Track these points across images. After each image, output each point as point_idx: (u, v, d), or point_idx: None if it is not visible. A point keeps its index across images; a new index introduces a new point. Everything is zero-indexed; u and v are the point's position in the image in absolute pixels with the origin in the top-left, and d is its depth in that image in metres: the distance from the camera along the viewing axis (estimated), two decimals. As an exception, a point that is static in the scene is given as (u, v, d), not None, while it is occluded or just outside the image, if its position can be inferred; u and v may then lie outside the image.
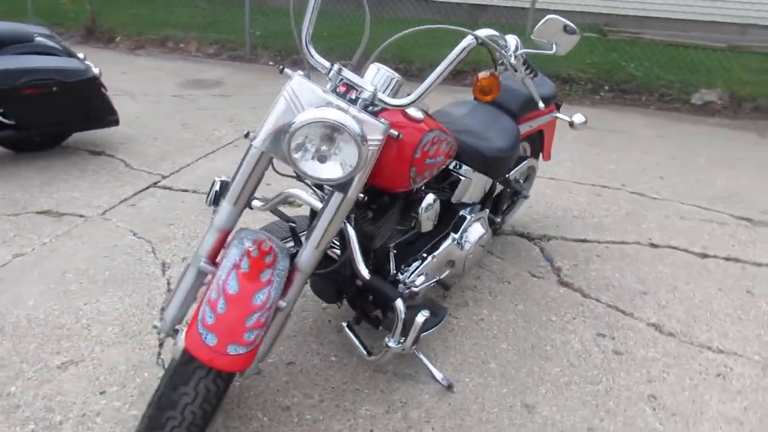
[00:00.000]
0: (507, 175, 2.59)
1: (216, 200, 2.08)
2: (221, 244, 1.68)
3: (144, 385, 2.00)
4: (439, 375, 2.06)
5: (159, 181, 3.58)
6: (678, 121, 5.34)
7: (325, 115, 1.47)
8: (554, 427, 1.91)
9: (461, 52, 1.61)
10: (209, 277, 1.70)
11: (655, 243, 3.08)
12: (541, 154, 3.01)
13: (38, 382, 1.99)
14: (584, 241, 3.08)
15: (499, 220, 2.70)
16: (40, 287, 2.48)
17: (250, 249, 1.56)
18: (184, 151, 4.07)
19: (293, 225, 2.10)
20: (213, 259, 1.68)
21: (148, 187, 3.49)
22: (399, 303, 1.76)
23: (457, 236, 2.25)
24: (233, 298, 1.44)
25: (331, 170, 1.54)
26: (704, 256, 2.97)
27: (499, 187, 2.57)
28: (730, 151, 4.57)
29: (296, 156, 1.52)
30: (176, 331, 1.70)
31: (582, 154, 4.31)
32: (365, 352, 1.92)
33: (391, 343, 1.79)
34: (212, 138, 4.36)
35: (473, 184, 2.31)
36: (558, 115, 2.83)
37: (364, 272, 1.79)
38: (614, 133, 4.85)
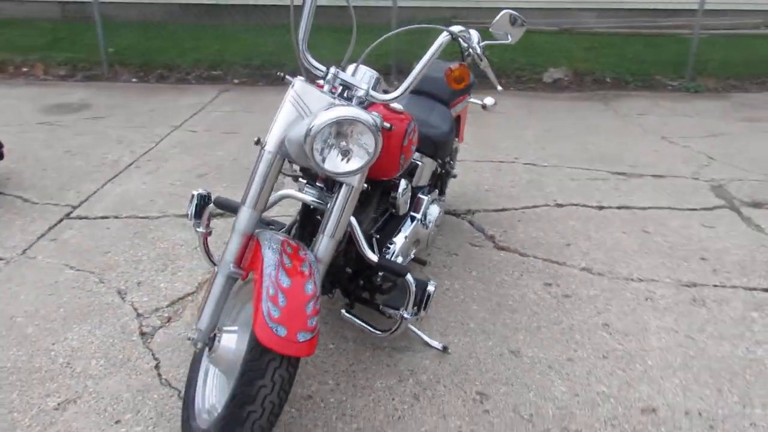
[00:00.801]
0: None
1: (197, 213, 2.14)
2: (245, 248, 1.75)
3: (159, 405, 1.99)
4: (433, 342, 2.28)
5: (71, 212, 3.39)
6: (538, 98, 6.00)
7: (345, 113, 1.62)
8: (541, 363, 2.21)
9: (438, 47, 1.84)
10: (240, 282, 1.77)
11: (560, 203, 3.54)
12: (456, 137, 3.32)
13: (41, 428, 1.90)
14: (503, 210, 3.46)
15: (444, 199, 2.97)
16: (-6, 336, 2.31)
17: (285, 247, 1.66)
18: (83, 178, 3.86)
19: (280, 228, 2.21)
20: (239, 263, 1.74)
21: (61, 220, 3.30)
22: (409, 277, 1.95)
23: (419, 216, 2.48)
24: (289, 291, 1.54)
25: (350, 163, 1.69)
26: (600, 208, 3.48)
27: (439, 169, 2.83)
28: (587, 119, 5.27)
29: (318, 155, 1.65)
30: (212, 339, 1.74)
31: (473, 135, 4.72)
32: (377, 330, 2.08)
33: (407, 315, 1.97)
34: (107, 162, 4.16)
35: (426, 167, 2.55)
36: (471, 99, 3.15)
37: (372, 255, 1.96)
38: (492, 114, 5.35)
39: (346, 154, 1.68)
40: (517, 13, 2.01)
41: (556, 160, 4.23)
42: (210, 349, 1.75)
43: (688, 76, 6.22)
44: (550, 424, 1.94)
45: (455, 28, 1.87)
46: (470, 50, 1.96)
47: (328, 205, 1.83)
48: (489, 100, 3.11)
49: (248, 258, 1.74)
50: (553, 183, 3.83)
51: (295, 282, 1.57)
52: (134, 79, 6.67)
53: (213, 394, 1.85)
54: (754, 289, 2.68)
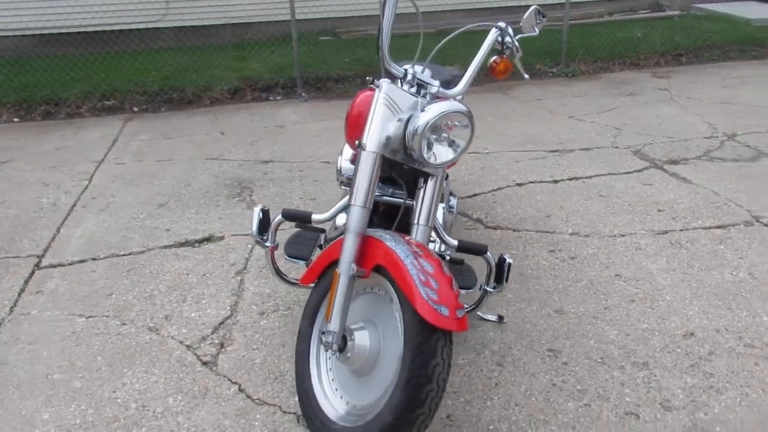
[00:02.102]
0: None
1: (261, 229, 2.16)
2: (361, 247, 1.81)
3: (267, 423, 1.99)
4: (488, 315, 2.47)
5: (39, 262, 3.11)
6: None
7: (454, 107, 1.77)
8: (585, 315, 2.49)
9: (491, 43, 2.05)
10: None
11: (519, 182, 3.90)
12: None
13: (158, 471, 1.82)
14: (475, 195, 3.74)
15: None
16: (34, 402, 2.13)
17: (405, 239, 1.77)
18: (28, 226, 3.54)
19: (323, 232, 2.28)
20: (359, 262, 1.80)
21: (33, 272, 3.03)
22: (489, 254, 2.13)
23: (444, 204, 2.66)
24: (436, 275, 1.65)
25: (448, 153, 1.84)
26: (555, 181, 3.89)
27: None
28: (498, 108, 5.74)
29: (426, 149, 1.78)
30: (344, 338, 1.79)
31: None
32: None
33: (490, 288, 2.15)
34: (45, 206, 3.83)
35: None
36: None
37: (451, 240, 2.12)
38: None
39: (451, 144, 1.82)
40: (541, 9, 2.26)
41: (493, 146, 4.60)
42: (342, 351, 1.80)
43: (563, 63, 6.97)
44: (622, 362, 2.22)
45: (501, 24, 2.10)
46: (513, 43, 2.18)
47: (413, 199, 1.95)
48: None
49: (365, 256, 1.80)
50: (503, 166, 4.18)
51: (435, 267, 1.68)
52: (16, 119, 6.08)
53: (339, 393, 1.89)
54: (710, 227, 3.19)
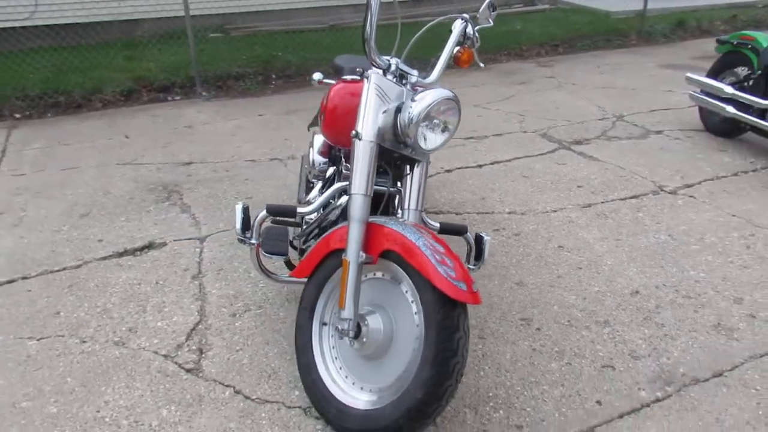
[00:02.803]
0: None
1: (245, 226, 2.14)
2: (366, 235, 1.86)
3: (274, 420, 1.98)
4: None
5: (-43, 287, 2.81)
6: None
7: (444, 95, 1.86)
8: (543, 285, 2.70)
9: (459, 32, 2.17)
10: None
11: (448, 169, 4.08)
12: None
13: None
14: (409, 183, 3.86)
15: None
16: None
17: (407, 223, 1.85)
18: (-72, 249, 3.17)
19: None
20: (366, 250, 1.84)
21: (-46, 297, 2.73)
22: (468, 234, 2.25)
23: None
24: (448, 254, 1.74)
25: (438, 139, 1.94)
26: (479, 166, 4.11)
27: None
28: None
29: (424, 134, 1.87)
30: (359, 325, 1.83)
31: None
32: None
33: (471, 266, 2.27)
34: (-59, 226, 3.44)
35: None
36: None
37: (434, 222, 2.22)
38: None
39: (444, 129, 1.92)
40: (493, 1, 2.40)
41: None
42: (356, 337, 1.84)
43: (456, 55, 7.30)
44: (586, 322, 2.45)
45: (465, 16, 2.23)
46: (474, 34, 2.30)
47: (400, 186, 2.04)
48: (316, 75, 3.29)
49: (370, 243, 1.85)
50: (442, 156, 4.34)
51: (444, 246, 1.78)
52: None
53: (351, 379, 1.92)
54: (625, 198, 3.56)
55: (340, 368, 1.97)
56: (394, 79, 1.99)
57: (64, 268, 2.94)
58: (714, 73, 4.54)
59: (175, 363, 2.26)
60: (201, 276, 2.84)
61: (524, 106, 5.48)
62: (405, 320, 1.83)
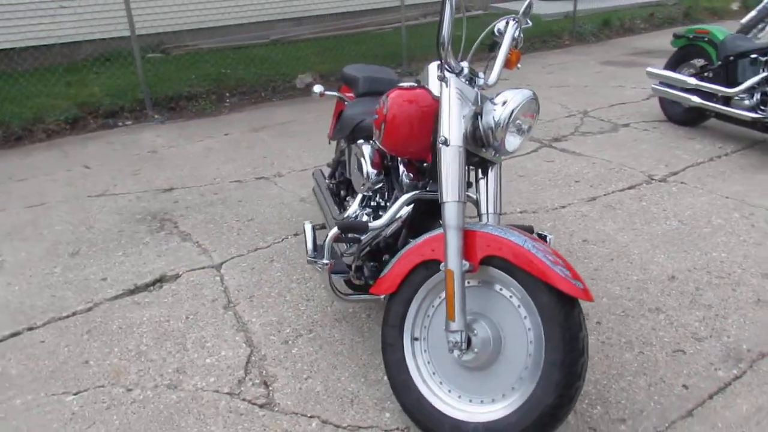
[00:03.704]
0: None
1: (315, 246, 2.05)
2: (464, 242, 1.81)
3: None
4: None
5: (-45, 346, 2.51)
6: (312, 103, 6.26)
7: (528, 95, 1.85)
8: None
9: (512, 34, 2.17)
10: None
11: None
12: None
13: None
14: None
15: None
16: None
17: (505, 227, 1.82)
18: None
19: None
20: (467, 257, 1.79)
21: (-45, 358, 2.43)
22: (535, 234, 2.24)
23: None
24: (558, 254, 1.73)
25: (517, 140, 1.92)
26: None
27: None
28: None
29: (511, 136, 1.85)
30: (467, 334, 1.78)
31: (302, 146, 4.87)
32: None
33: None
34: None
35: None
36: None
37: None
38: (292, 124, 5.52)
39: (527, 131, 1.90)
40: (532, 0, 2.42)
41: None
42: (467, 348, 1.78)
43: (405, 64, 7.36)
44: (640, 311, 2.50)
45: (518, 17, 2.22)
46: (520, 35, 2.28)
47: (479, 188, 2.01)
48: (317, 88, 3.25)
49: (467, 250, 1.80)
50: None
51: (548, 246, 1.76)
52: None
53: (456, 393, 1.86)
54: (624, 189, 3.69)
55: (441, 383, 1.90)
56: (467, 83, 1.95)
57: (74, 313, 2.68)
58: (672, 66, 4.81)
59: (244, 400, 2.10)
60: (233, 305, 2.67)
61: (490, 108, 5.57)
62: (513, 326, 1.79)
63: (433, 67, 2.13)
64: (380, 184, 2.36)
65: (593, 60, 7.41)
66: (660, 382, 2.10)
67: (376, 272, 2.28)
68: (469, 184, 2.08)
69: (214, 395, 2.13)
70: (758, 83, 4.00)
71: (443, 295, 1.91)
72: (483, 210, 2.00)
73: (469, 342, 1.78)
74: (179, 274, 2.95)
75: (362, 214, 2.46)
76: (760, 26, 5.14)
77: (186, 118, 5.91)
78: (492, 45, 2.30)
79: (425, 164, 2.18)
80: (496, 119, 1.84)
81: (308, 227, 2.04)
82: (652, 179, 3.81)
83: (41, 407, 2.12)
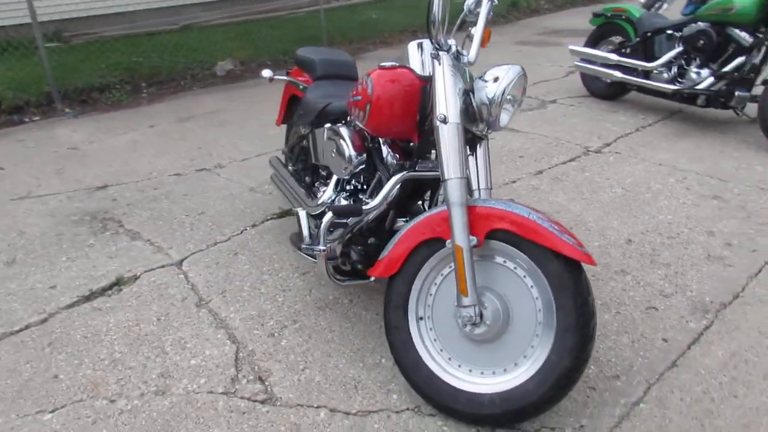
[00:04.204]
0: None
1: (311, 234, 2.01)
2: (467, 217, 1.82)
3: (390, 423, 1.88)
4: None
5: None
6: (236, 90, 6.06)
7: (518, 71, 1.89)
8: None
9: (488, 12, 2.19)
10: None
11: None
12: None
13: None
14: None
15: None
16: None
17: (506, 200, 1.86)
18: None
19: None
20: (472, 233, 1.81)
21: None
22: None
23: None
24: (560, 224, 1.79)
25: (506, 115, 1.96)
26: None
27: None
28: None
29: (503, 111, 1.89)
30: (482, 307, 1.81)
31: (235, 134, 4.70)
32: None
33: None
34: None
35: None
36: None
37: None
38: (219, 113, 5.30)
39: (518, 105, 1.94)
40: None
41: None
42: (480, 322, 1.81)
43: (324, 46, 7.26)
44: (608, 274, 2.63)
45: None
46: (489, 13, 2.29)
47: (468, 165, 2.03)
48: (266, 72, 3.18)
49: (472, 226, 1.82)
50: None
51: (548, 215, 1.82)
52: None
53: (466, 367, 1.89)
54: (566, 162, 3.86)
55: (450, 359, 1.92)
56: (454, 60, 1.96)
57: (27, 326, 2.46)
58: (592, 44, 5.06)
59: (243, 398, 2.03)
60: (206, 303, 2.55)
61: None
62: (519, 296, 1.83)
63: (413, 46, 2.12)
64: (362, 166, 2.32)
65: (509, 41, 7.65)
66: (642, 338, 2.23)
67: (365, 256, 2.26)
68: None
69: (209, 397, 2.04)
70: (675, 57, 4.30)
71: (445, 271, 1.93)
72: (474, 186, 2.02)
73: (480, 316, 1.81)
74: (138, 275, 2.78)
75: (339, 198, 2.42)
76: (657, 5, 5.50)
77: (100, 111, 5.53)
78: (461, 23, 2.32)
79: (411, 144, 2.17)
80: (490, 96, 1.86)
81: (302, 214, 1.98)
82: (589, 151, 4.01)
83: (16, 429, 1.93)
